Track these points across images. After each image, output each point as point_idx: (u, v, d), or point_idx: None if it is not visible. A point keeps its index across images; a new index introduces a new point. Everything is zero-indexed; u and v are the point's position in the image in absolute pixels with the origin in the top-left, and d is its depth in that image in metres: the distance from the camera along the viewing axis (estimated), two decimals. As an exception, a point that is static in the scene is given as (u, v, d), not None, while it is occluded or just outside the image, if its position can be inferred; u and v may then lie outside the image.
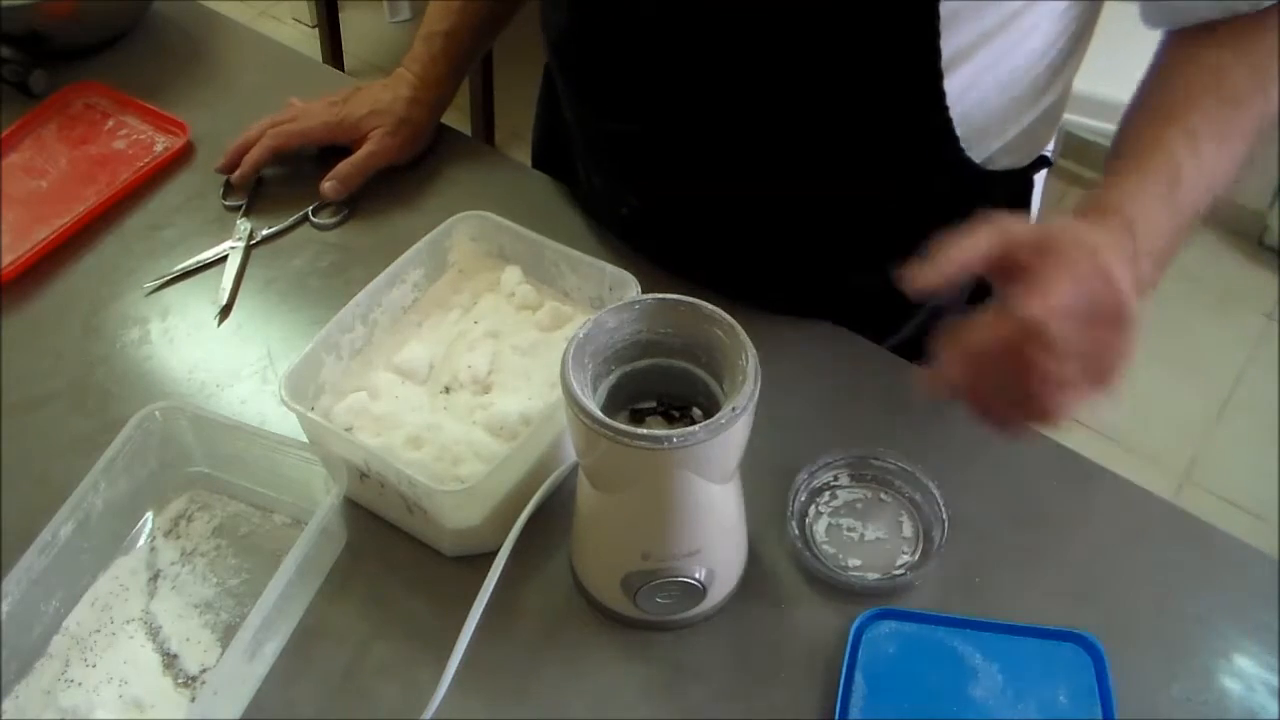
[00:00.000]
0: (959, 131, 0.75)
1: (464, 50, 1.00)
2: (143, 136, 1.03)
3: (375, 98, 0.98)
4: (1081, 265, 0.58)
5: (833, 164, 0.78)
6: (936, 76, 0.70)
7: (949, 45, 0.69)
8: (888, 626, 0.70)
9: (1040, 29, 0.73)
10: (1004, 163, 0.82)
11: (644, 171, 0.87)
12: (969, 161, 0.78)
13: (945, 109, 0.72)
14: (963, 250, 0.58)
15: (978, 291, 0.89)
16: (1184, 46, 0.73)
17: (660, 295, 0.65)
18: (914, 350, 0.87)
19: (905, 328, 0.92)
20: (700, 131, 0.80)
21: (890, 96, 0.72)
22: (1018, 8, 0.70)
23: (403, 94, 0.98)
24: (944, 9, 0.67)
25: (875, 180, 0.79)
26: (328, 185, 0.95)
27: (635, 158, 0.87)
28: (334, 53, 2.43)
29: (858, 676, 0.67)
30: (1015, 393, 0.58)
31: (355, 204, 0.97)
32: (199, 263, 0.93)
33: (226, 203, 0.98)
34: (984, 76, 0.73)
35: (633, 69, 0.80)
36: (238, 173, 0.97)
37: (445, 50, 0.99)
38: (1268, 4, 0.69)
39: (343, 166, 0.96)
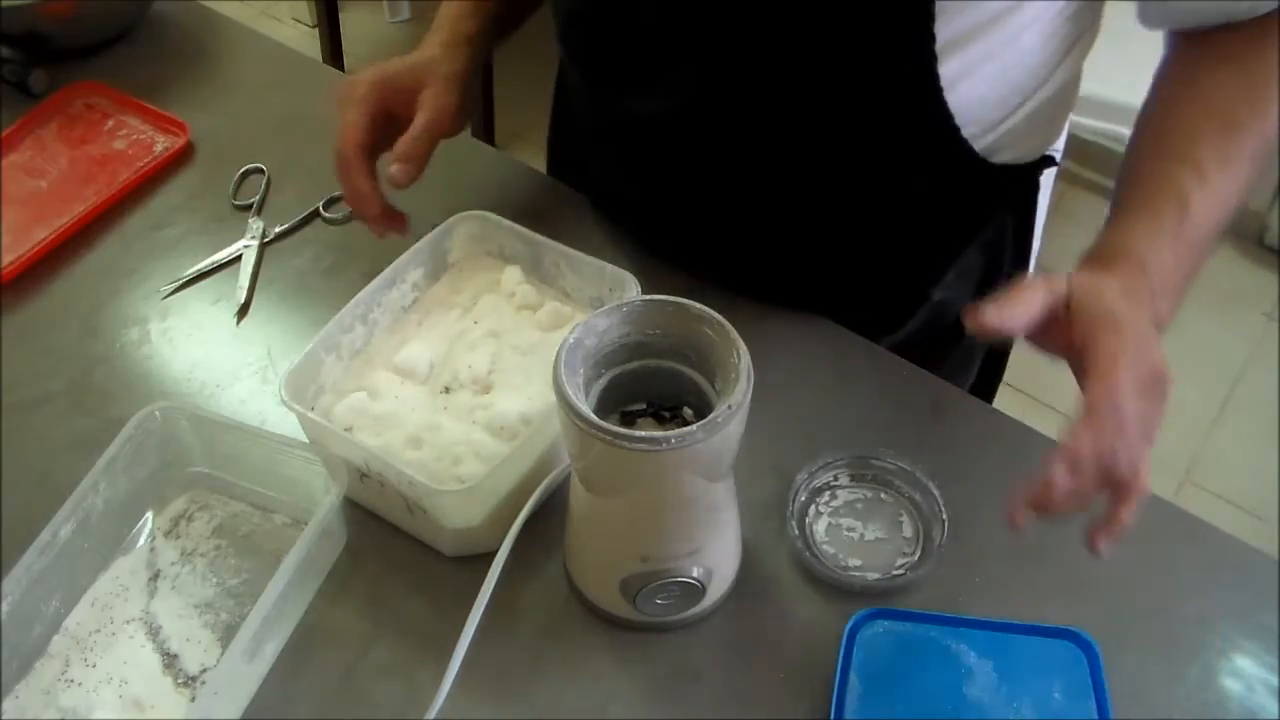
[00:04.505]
0: (956, 119, 0.75)
1: (484, 34, 0.88)
2: (143, 136, 1.03)
3: (408, 61, 0.84)
4: (1130, 350, 0.61)
5: (833, 148, 0.79)
6: (931, 58, 0.71)
7: (943, 34, 0.70)
8: (881, 626, 0.70)
9: (1040, 22, 0.73)
10: (1006, 156, 0.82)
11: (649, 150, 0.87)
12: (969, 150, 0.78)
13: (940, 93, 0.73)
14: (1018, 313, 0.62)
15: (981, 283, 0.90)
16: (1183, 65, 0.74)
17: (648, 297, 0.65)
18: (914, 349, 0.87)
19: (905, 326, 0.92)
20: (705, 109, 0.80)
21: (886, 80, 0.73)
22: (1011, 5, 0.71)
23: (435, 53, 0.84)
24: (938, 5, 0.68)
25: (875, 166, 0.79)
26: (395, 169, 0.79)
27: (639, 135, 0.87)
28: (334, 53, 2.43)
29: (852, 677, 0.67)
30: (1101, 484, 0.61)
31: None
32: (214, 263, 0.93)
33: (236, 202, 0.98)
34: (980, 67, 0.73)
35: (636, 43, 0.80)
36: (377, 212, 0.82)
37: (469, 18, 0.87)
38: (1266, 9, 0.69)
39: (404, 143, 0.80)
